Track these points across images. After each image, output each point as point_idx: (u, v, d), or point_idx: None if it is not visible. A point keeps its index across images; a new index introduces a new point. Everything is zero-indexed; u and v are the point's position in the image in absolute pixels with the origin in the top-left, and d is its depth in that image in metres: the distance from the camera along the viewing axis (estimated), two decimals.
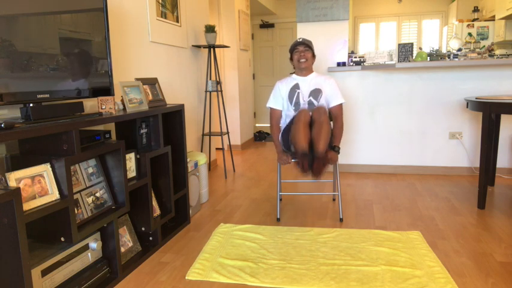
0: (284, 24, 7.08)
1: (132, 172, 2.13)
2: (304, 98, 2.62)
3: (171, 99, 3.31)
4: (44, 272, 1.55)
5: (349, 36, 4.69)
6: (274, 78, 7.19)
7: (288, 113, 2.70)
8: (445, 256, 2.09)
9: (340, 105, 2.67)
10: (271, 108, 2.74)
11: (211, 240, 2.36)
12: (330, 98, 2.66)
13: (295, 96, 2.64)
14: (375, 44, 7.42)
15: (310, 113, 2.47)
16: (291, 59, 2.70)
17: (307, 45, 2.63)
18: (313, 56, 2.68)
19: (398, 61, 3.74)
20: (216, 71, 4.03)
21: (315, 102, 2.61)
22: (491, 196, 3.07)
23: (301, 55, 2.62)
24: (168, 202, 2.43)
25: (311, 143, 2.43)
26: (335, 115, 2.68)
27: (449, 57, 3.59)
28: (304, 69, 2.65)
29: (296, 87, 2.67)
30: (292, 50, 2.67)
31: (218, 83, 3.90)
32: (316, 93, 2.63)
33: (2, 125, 1.35)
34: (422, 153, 3.84)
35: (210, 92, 3.96)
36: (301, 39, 2.66)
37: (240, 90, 5.36)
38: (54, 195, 1.56)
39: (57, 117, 1.69)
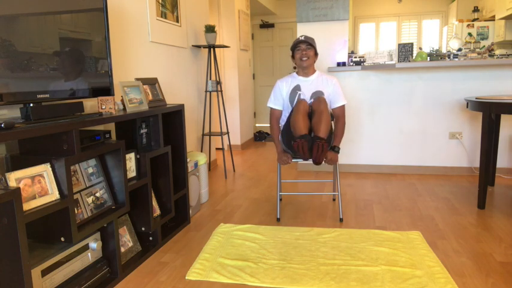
0: (284, 24, 7.08)
1: (132, 172, 2.13)
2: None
3: (171, 99, 3.31)
4: (44, 272, 1.55)
5: (349, 36, 4.69)
6: (274, 78, 7.19)
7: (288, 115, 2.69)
8: (445, 256, 2.09)
9: (343, 106, 2.63)
10: (271, 108, 2.72)
11: (211, 240, 2.36)
12: (333, 99, 2.63)
13: (296, 98, 2.61)
14: (375, 44, 7.42)
15: (309, 104, 2.49)
16: (293, 57, 2.63)
17: (309, 43, 2.56)
18: (316, 54, 2.61)
19: (398, 61, 3.74)
20: (216, 71, 4.03)
21: None
22: (491, 196, 3.07)
23: (303, 53, 2.55)
24: (168, 202, 2.42)
25: (311, 130, 2.43)
26: (337, 116, 2.64)
27: (449, 57, 3.59)
28: (306, 67, 2.59)
29: (297, 88, 2.62)
30: (294, 48, 2.60)
31: (218, 83, 3.90)
32: (317, 95, 2.58)
33: (2, 125, 1.35)
34: (422, 153, 3.84)
35: (210, 92, 3.96)
36: (303, 37, 2.58)
37: (240, 90, 5.36)
38: (54, 195, 1.56)
39: (57, 117, 1.69)
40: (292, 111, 2.51)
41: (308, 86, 2.63)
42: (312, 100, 2.49)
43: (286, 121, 2.62)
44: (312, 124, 2.40)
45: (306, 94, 2.60)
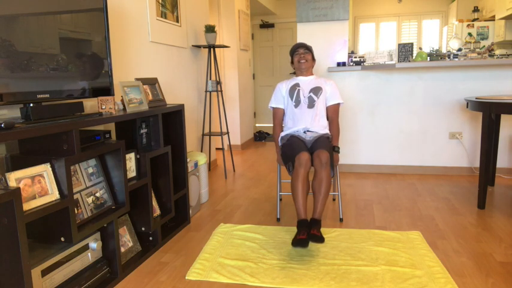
0: (284, 24, 7.08)
1: (132, 172, 2.12)
2: (304, 95, 2.64)
3: (171, 99, 3.31)
4: (44, 272, 1.55)
5: (349, 36, 4.69)
6: (274, 78, 7.19)
7: (288, 121, 2.69)
8: (445, 256, 2.09)
9: (338, 104, 2.70)
10: (273, 108, 2.76)
11: (211, 240, 2.36)
12: (329, 97, 2.69)
13: (295, 93, 2.67)
14: (375, 44, 7.42)
15: (310, 152, 2.39)
16: (292, 62, 2.74)
17: (307, 48, 2.69)
18: (313, 59, 2.72)
19: (398, 61, 3.74)
20: (216, 71, 4.03)
21: (315, 98, 2.62)
22: (491, 196, 3.07)
23: (302, 56, 2.66)
24: (168, 202, 2.42)
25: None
26: (332, 115, 2.70)
27: (449, 57, 3.59)
28: (305, 69, 2.68)
29: (297, 85, 2.69)
30: (293, 52, 2.72)
31: (218, 83, 3.90)
32: (316, 90, 2.65)
33: (2, 125, 1.35)
34: (422, 153, 3.84)
35: (210, 92, 3.95)
36: (301, 43, 2.72)
37: (240, 90, 5.36)
38: (54, 195, 1.56)
39: (57, 117, 1.69)
40: (291, 140, 2.49)
41: (307, 84, 2.70)
42: (314, 155, 2.34)
43: (285, 142, 2.59)
44: (312, 188, 2.32)
45: (305, 90, 2.66)
